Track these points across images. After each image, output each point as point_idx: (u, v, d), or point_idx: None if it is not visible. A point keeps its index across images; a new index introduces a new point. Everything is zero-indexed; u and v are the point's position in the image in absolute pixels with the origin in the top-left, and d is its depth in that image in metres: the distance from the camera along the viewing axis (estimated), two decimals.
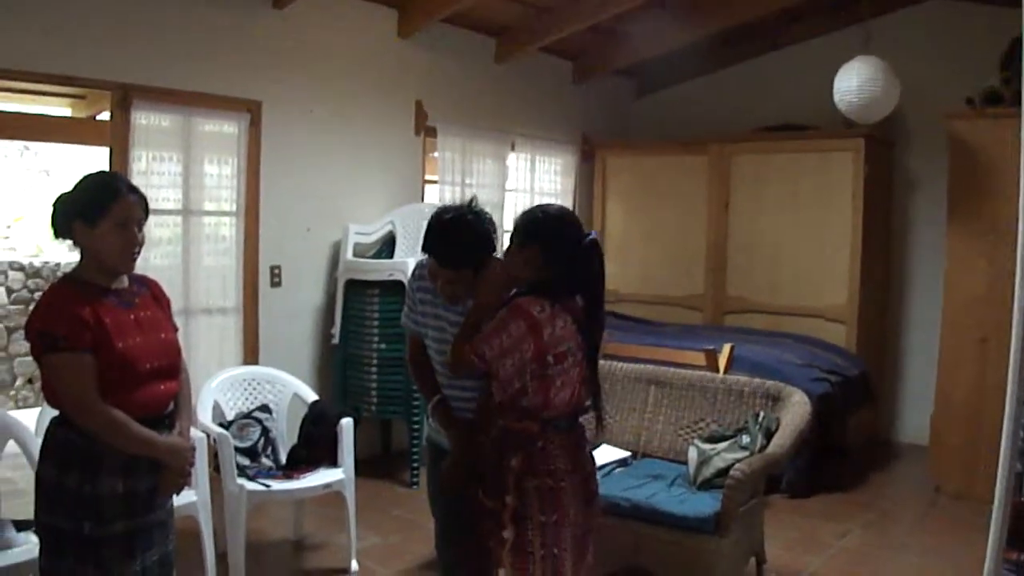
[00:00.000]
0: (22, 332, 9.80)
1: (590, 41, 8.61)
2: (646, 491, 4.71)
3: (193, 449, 3.19)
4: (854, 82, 6.80)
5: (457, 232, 3.35)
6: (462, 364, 3.31)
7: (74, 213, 2.99)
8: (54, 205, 3.05)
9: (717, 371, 6.12)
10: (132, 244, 3.03)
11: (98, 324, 2.91)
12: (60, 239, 3.07)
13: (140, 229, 3.06)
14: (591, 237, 3.27)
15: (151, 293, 3.25)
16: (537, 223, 3.30)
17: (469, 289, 3.35)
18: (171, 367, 3.18)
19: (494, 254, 3.42)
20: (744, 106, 9.06)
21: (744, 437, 4.93)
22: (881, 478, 7.43)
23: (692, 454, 4.96)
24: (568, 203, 9.36)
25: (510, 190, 8.75)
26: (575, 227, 3.32)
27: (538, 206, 3.45)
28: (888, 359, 8.56)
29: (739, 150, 8.57)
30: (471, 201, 3.44)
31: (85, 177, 3.10)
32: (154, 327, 3.14)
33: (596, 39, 8.59)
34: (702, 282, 8.71)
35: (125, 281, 3.13)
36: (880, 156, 8.10)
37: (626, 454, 5.40)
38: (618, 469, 5.20)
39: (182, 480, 3.15)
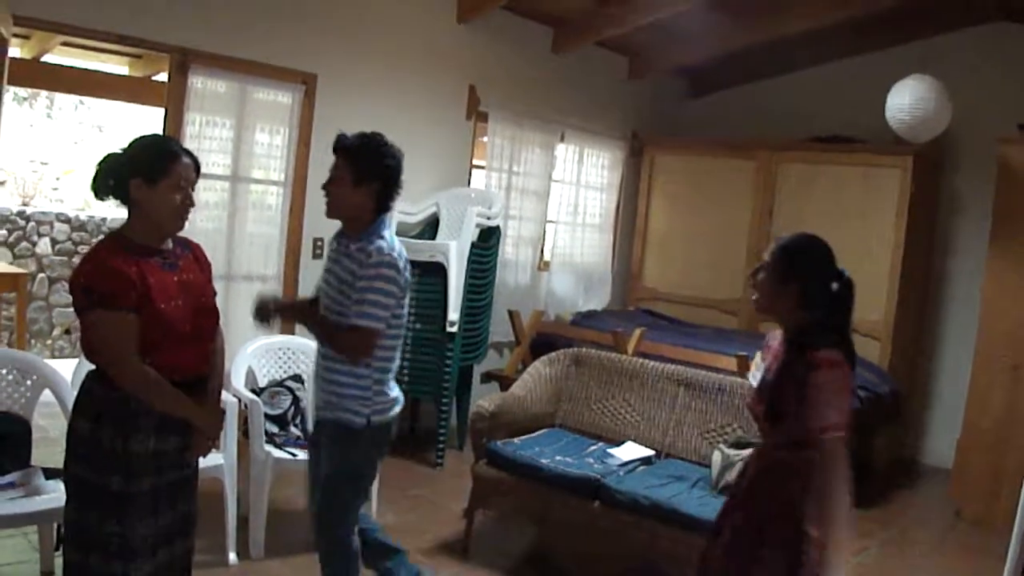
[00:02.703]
0: (63, 283, 10.00)
1: (647, 38, 8.59)
2: (668, 491, 4.74)
3: (223, 413, 3.25)
4: (906, 100, 6.78)
5: (370, 135, 3.82)
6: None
7: (133, 171, 3.04)
8: (102, 165, 3.09)
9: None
10: (187, 205, 3.10)
11: (142, 284, 2.96)
12: (106, 197, 3.11)
13: (192, 191, 3.13)
14: (846, 276, 3.21)
15: (194, 256, 3.30)
16: (803, 255, 3.25)
17: (345, 194, 3.73)
18: (209, 331, 3.24)
19: (386, 179, 3.76)
20: (795, 115, 9.01)
21: None
22: (902, 498, 7.41)
23: (716, 458, 4.99)
24: (614, 198, 9.42)
25: (556, 180, 8.78)
26: (832, 264, 3.24)
27: (802, 235, 3.36)
28: (919, 379, 8.52)
29: (787, 158, 8.53)
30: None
31: (141, 138, 3.16)
32: (195, 290, 3.19)
33: (653, 37, 8.56)
34: (740, 287, 8.68)
35: (169, 243, 3.18)
36: (928, 176, 8.04)
37: (650, 452, 5.43)
38: (641, 467, 5.23)
39: (211, 442, 3.22)
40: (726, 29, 8.13)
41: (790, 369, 3.09)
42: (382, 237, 3.71)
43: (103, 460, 2.97)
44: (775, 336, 3.36)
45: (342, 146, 3.76)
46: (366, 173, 3.69)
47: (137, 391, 2.97)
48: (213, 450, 3.37)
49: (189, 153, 3.16)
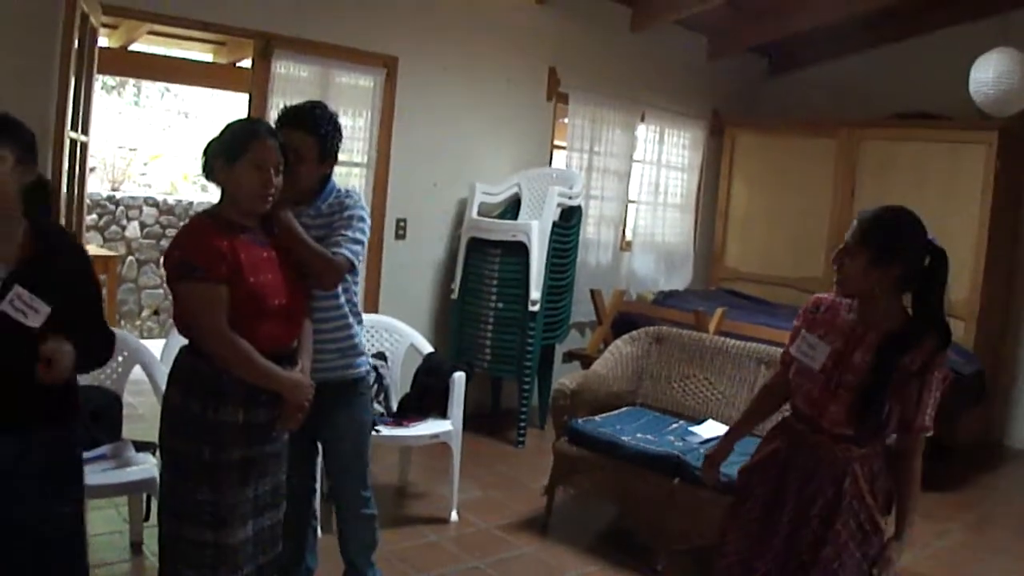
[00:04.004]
0: (152, 265, 10.23)
1: (726, 16, 8.53)
2: None
3: (312, 386, 3.28)
4: (991, 73, 6.69)
5: (319, 105, 3.65)
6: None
7: (216, 152, 3.13)
8: (204, 148, 3.20)
9: None
10: (267, 186, 3.11)
11: (234, 258, 3.03)
12: (209, 179, 3.21)
13: (278, 174, 3.15)
14: (938, 246, 2.93)
15: None
16: (904, 233, 2.93)
17: (311, 171, 3.54)
18: (299, 306, 3.30)
19: (339, 148, 3.65)
20: (877, 92, 8.87)
21: None
22: (986, 480, 7.30)
23: None
24: (695, 178, 9.40)
25: (638, 161, 8.79)
26: (926, 236, 2.95)
27: (892, 209, 2.99)
28: (1006, 359, 8.35)
29: (868, 136, 8.43)
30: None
31: (232, 121, 3.24)
32: (288, 267, 3.26)
33: (732, 15, 8.51)
34: (821, 266, 8.60)
35: (262, 222, 3.25)
36: (1014, 151, 7.84)
37: None
38: None
39: (300, 415, 3.24)
40: (805, 6, 8.05)
41: (890, 361, 2.91)
42: (348, 192, 3.70)
43: (194, 430, 3.05)
44: (820, 305, 3.31)
45: (306, 121, 3.52)
46: (332, 148, 3.60)
47: (226, 362, 3.03)
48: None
49: (274, 134, 3.21)
